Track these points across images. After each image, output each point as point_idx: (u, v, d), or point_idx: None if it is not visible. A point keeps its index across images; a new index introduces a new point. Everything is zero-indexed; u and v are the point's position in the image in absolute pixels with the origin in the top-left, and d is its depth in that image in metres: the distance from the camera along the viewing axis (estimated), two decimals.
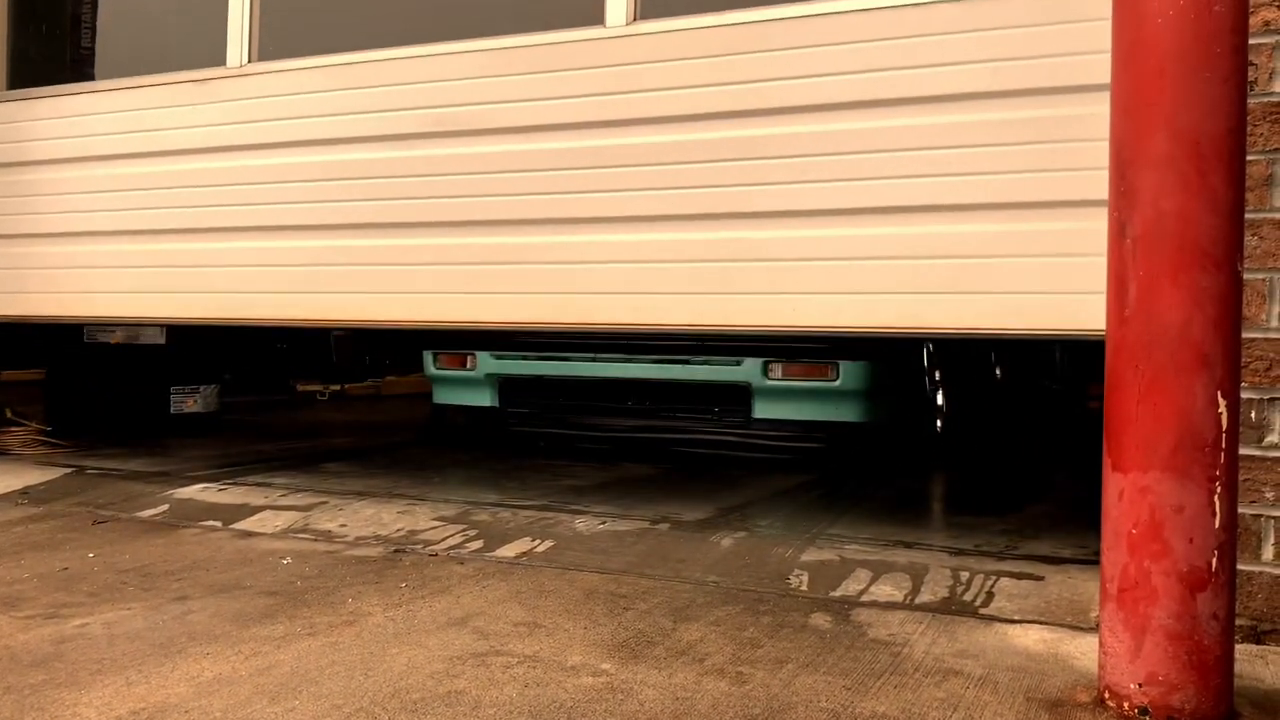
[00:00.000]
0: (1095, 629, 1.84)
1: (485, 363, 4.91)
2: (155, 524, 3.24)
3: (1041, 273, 2.65)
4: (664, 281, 3.10)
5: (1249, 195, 1.99)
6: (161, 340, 5.51)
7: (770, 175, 2.95)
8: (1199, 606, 1.64)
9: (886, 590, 2.46)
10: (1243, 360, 1.99)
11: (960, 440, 5.36)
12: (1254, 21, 2.00)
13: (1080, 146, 2.56)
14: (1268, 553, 2.05)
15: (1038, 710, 1.74)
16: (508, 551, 2.83)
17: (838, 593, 2.45)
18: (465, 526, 3.08)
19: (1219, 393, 1.64)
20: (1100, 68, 2.38)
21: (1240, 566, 2.01)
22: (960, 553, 2.78)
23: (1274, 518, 2.05)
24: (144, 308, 4.01)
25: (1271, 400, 2.05)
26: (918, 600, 2.39)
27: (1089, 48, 2.54)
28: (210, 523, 3.23)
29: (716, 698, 1.78)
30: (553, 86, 3.23)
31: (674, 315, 3.10)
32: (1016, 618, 2.25)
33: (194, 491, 3.63)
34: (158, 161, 3.94)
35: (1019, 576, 2.53)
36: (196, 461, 4.40)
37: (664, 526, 3.08)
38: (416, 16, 3.65)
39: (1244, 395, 2.03)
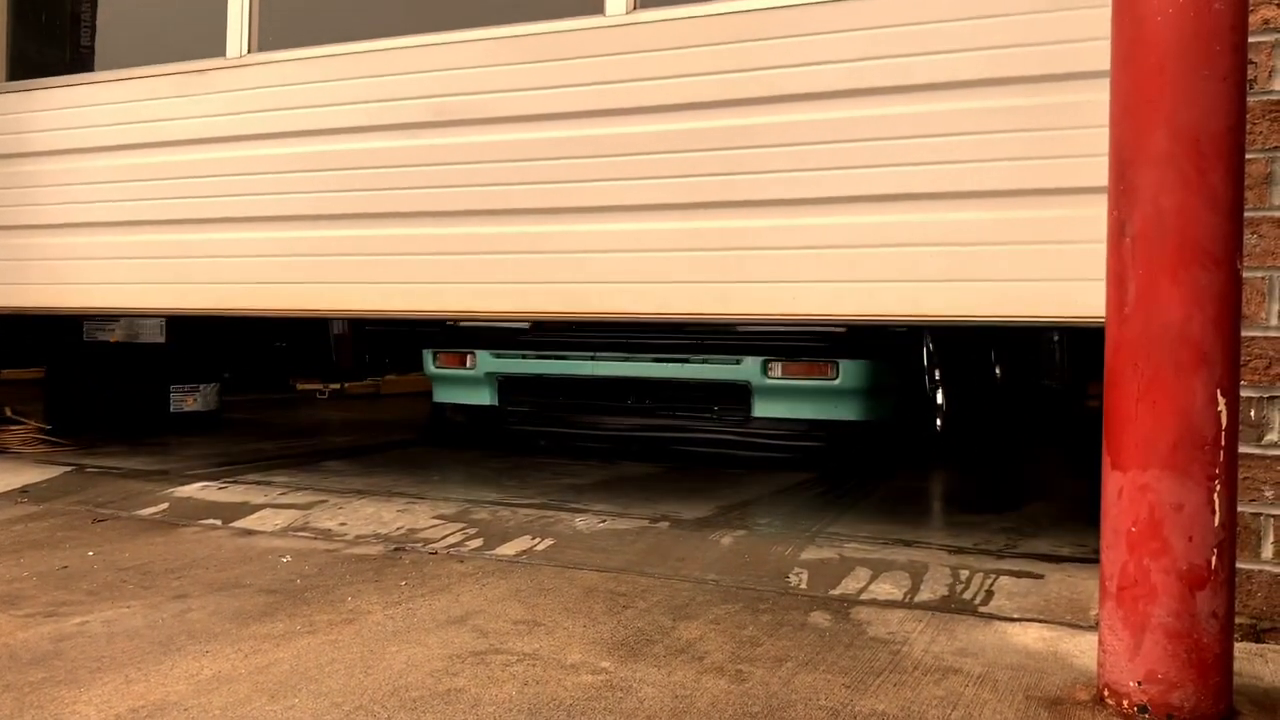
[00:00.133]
0: (1095, 627, 1.84)
1: (485, 361, 4.91)
2: (155, 522, 3.24)
3: (1040, 259, 2.65)
4: (664, 270, 3.10)
5: (1248, 193, 1.99)
6: (161, 338, 5.52)
7: (770, 164, 2.95)
8: (1198, 605, 1.64)
9: (886, 588, 2.46)
10: (1242, 358, 1.99)
11: (960, 439, 5.36)
12: (1253, 20, 2.00)
13: (1078, 133, 2.57)
14: (1267, 551, 2.05)
15: (1037, 708, 1.74)
16: (507, 550, 2.83)
17: (837, 591, 2.45)
18: (465, 525, 3.08)
19: (1218, 391, 1.64)
20: (1097, 54, 2.39)
21: (1239, 565, 2.01)
22: (960, 551, 2.78)
23: (1273, 516, 2.05)
24: (144, 299, 4.01)
25: (1271, 399, 2.05)
26: (917, 599, 2.39)
27: (1086, 35, 2.54)
28: (210, 521, 3.23)
29: (716, 696, 1.78)
30: (553, 75, 3.24)
31: (674, 304, 3.11)
32: (1016, 616, 2.25)
33: (194, 490, 3.63)
34: (158, 152, 3.94)
35: (1018, 575, 2.53)
36: (196, 460, 4.40)
37: (663, 525, 3.08)
38: (417, 5, 3.65)
39: (1243, 393, 2.03)
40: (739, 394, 4.42)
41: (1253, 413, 2.05)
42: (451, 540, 2.93)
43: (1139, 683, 1.67)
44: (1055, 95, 2.62)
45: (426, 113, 3.42)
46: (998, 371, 6.72)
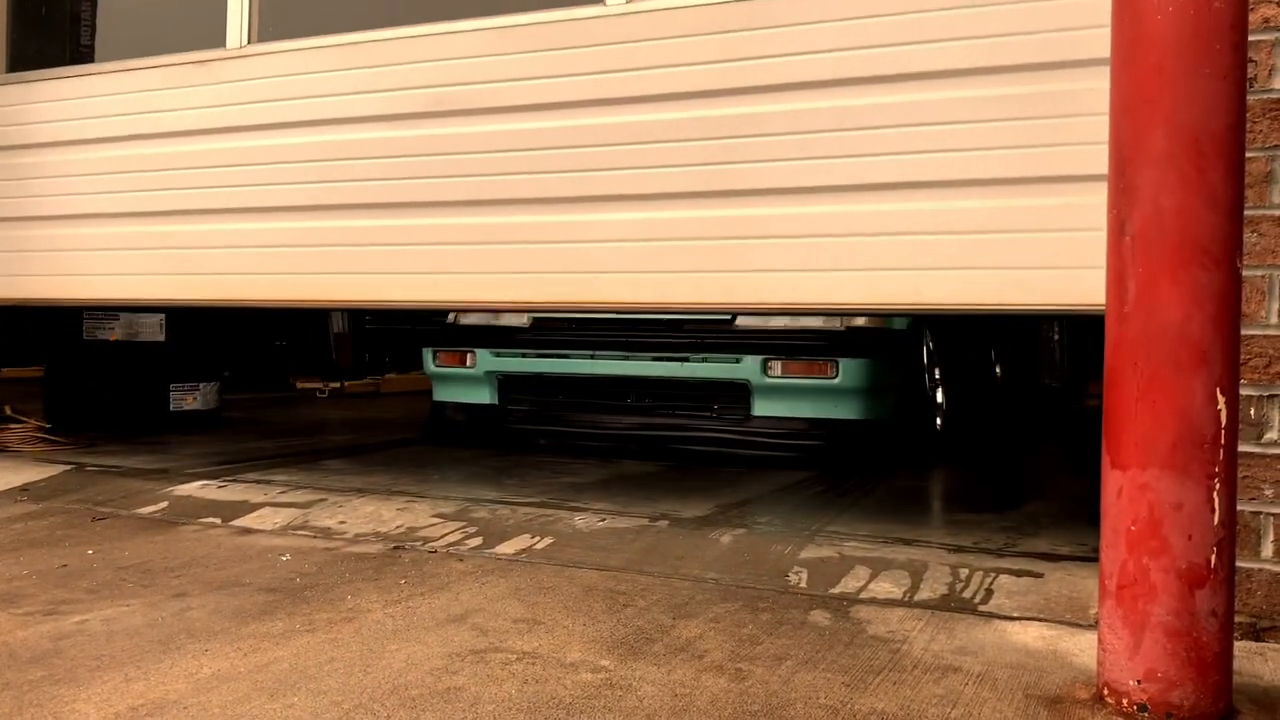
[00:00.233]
0: (1094, 626, 1.84)
1: (485, 360, 4.91)
2: (155, 521, 3.24)
3: (1042, 247, 2.65)
4: (665, 259, 3.10)
5: (1248, 192, 1.99)
6: (161, 337, 5.52)
7: (770, 152, 2.95)
8: (1198, 603, 1.64)
9: (886, 587, 2.46)
10: (1242, 357, 1.99)
11: (960, 438, 5.36)
12: (1253, 18, 2.00)
13: (1080, 121, 2.57)
14: (1267, 550, 2.05)
15: (1036, 707, 1.74)
16: (507, 548, 2.83)
17: (837, 590, 2.45)
18: (465, 523, 3.08)
19: (1218, 390, 1.64)
20: (1097, 42, 2.39)
21: (1239, 564, 2.01)
22: (959, 550, 2.78)
23: (1273, 515, 2.05)
24: (144, 289, 4.02)
25: (1271, 397, 2.05)
26: (917, 597, 2.39)
27: (1086, 22, 2.55)
28: (210, 519, 3.23)
29: (715, 694, 1.78)
30: (553, 65, 3.24)
31: (675, 293, 3.11)
32: (1015, 615, 2.25)
33: (193, 488, 3.63)
34: (158, 143, 3.95)
35: (1018, 574, 2.53)
36: (196, 458, 4.40)
37: (663, 524, 3.08)
38: None
39: (1243, 392, 2.03)
40: (739, 393, 4.42)
41: (1252, 411, 2.05)
42: (451, 539, 2.93)
43: (1138, 681, 1.67)
44: (1056, 83, 2.62)
45: (427, 103, 3.43)
46: (998, 370, 6.72)
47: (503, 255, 3.32)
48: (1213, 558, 1.64)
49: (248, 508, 3.35)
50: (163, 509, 3.39)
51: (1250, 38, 1.86)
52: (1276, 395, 2.04)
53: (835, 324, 4.38)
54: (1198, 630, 1.64)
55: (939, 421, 5.15)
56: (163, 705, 1.71)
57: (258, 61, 3.76)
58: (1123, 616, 1.69)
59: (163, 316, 5.49)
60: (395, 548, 2.85)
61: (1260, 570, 2.06)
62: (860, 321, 4.39)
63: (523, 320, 4.92)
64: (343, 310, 8.77)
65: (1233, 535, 1.68)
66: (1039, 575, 2.52)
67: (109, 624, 2.16)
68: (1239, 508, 2.01)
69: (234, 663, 1.92)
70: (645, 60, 3.11)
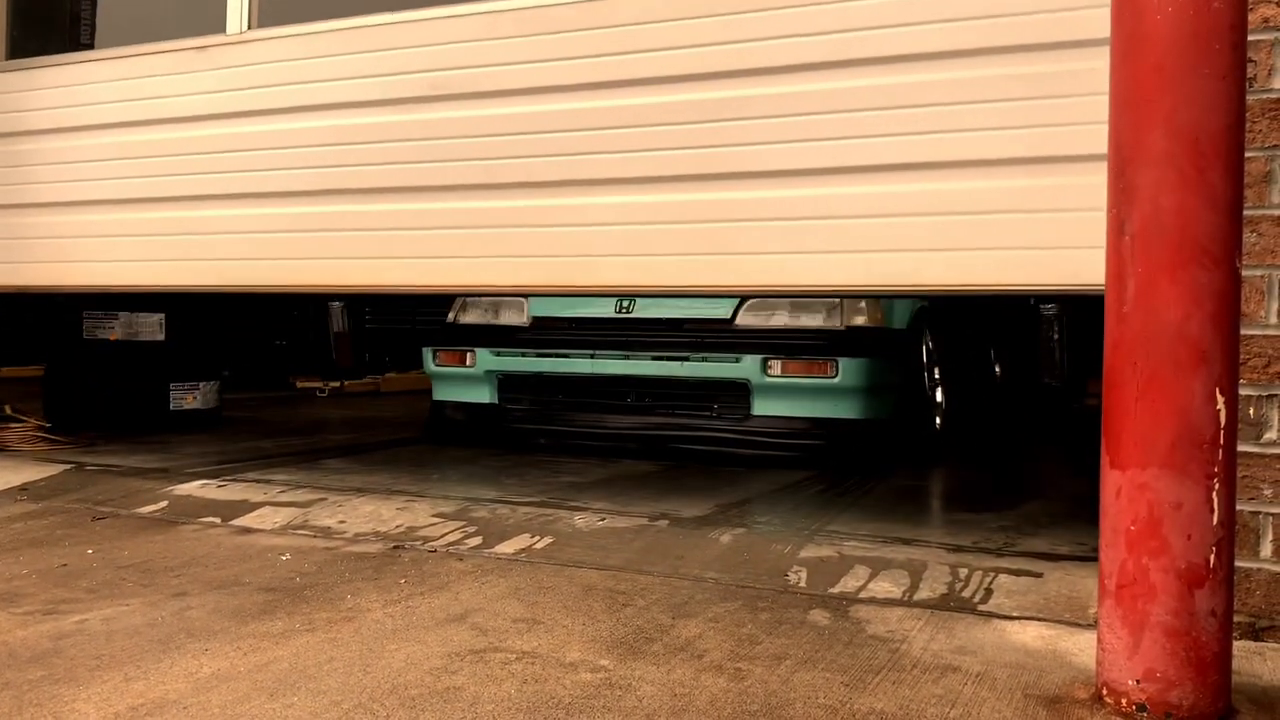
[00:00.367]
0: (1093, 626, 1.85)
1: (485, 360, 4.91)
2: (154, 520, 3.24)
3: (1039, 228, 2.65)
4: (657, 243, 3.11)
5: (1248, 192, 1.99)
6: (161, 336, 5.52)
7: (764, 135, 2.95)
8: (1197, 603, 1.64)
9: (885, 587, 2.46)
10: (1241, 357, 1.99)
11: (959, 437, 5.36)
12: (1253, 18, 2.00)
13: (1077, 101, 2.57)
14: (1266, 549, 2.05)
15: (1036, 706, 1.74)
16: (507, 548, 2.83)
17: (836, 589, 2.45)
18: (464, 523, 3.08)
19: (1217, 390, 1.64)
20: (1096, 22, 2.39)
21: (1238, 563, 2.01)
22: (959, 549, 2.78)
23: (1272, 514, 2.05)
24: (144, 276, 4.02)
25: (1270, 397, 2.05)
26: (916, 597, 2.39)
27: (1085, 2, 2.54)
28: (209, 519, 3.23)
29: (715, 694, 1.78)
30: (549, 49, 3.24)
31: (668, 276, 3.11)
32: (1015, 614, 2.25)
33: (193, 488, 3.64)
34: (158, 129, 3.95)
35: (1017, 573, 2.53)
36: (196, 458, 4.40)
37: (663, 523, 3.08)
38: None
39: (1242, 392, 2.03)
40: (738, 392, 4.42)
41: (1252, 411, 2.05)
42: (451, 538, 2.93)
43: (1137, 681, 1.67)
44: (1053, 63, 2.62)
45: (425, 87, 3.43)
46: (997, 369, 6.73)
47: (500, 239, 3.33)
48: (1212, 557, 1.64)
49: (247, 507, 3.35)
50: (163, 508, 3.39)
51: (1250, 37, 1.86)
52: (1275, 395, 2.05)
53: (835, 323, 4.38)
54: (1197, 630, 1.64)
55: (938, 421, 5.15)
56: (162, 705, 1.71)
57: (257, 47, 3.76)
58: (1122, 616, 1.69)
59: (163, 316, 5.49)
60: (395, 547, 2.85)
61: (1259, 570, 2.06)
62: (860, 321, 4.39)
63: (523, 320, 4.92)
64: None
65: (1232, 535, 1.68)
66: (1038, 575, 2.52)
67: (109, 623, 2.16)
68: (1238, 507, 2.01)
69: (234, 662, 1.92)
70: (640, 43, 3.11)
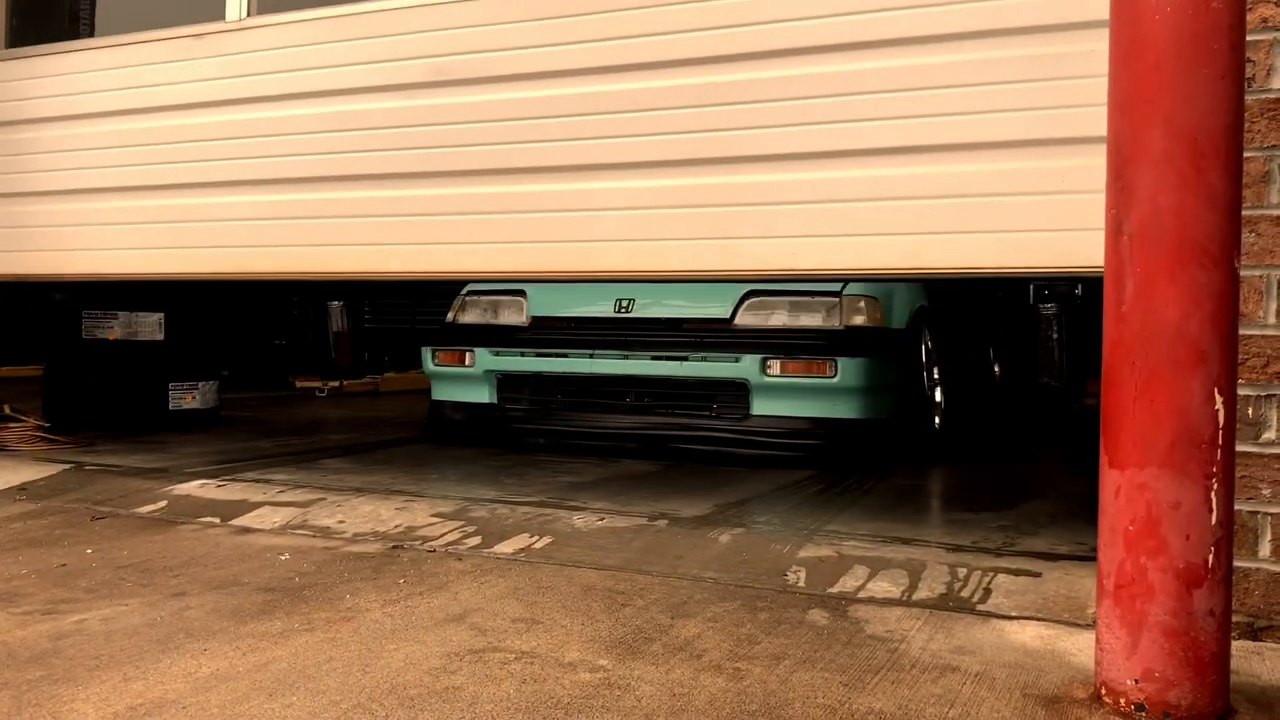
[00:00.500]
0: (1092, 625, 1.85)
1: (484, 359, 4.91)
2: (153, 520, 3.24)
3: (1041, 210, 2.65)
4: (662, 227, 3.10)
5: (1247, 192, 1.99)
6: (160, 336, 5.52)
7: (769, 118, 2.95)
8: (1195, 603, 1.64)
9: (884, 586, 2.46)
10: (1240, 357, 1.99)
11: (958, 437, 5.36)
12: (1251, 18, 2.00)
13: (1078, 83, 2.57)
14: (1264, 549, 2.05)
15: (1034, 706, 1.74)
16: (506, 548, 2.83)
17: (835, 589, 2.45)
18: (463, 523, 3.08)
19: (1216, 389, 1.64)
20: (1094, 5, 2.39)
21: (1237, 563, 2.01)
22: (958, 549, 2.79)
23: (1271, 514, 2.05)
24: (145, 264, 4.02)
25: (1268, 397, 2.05)
26: (915, 596, 2.39)
27: None
28: (208, 519, 3.23)
29: (714, 694, 1.78)
30: (552, 33, 3.24)
31: (672, 261, 3.11)
32: (1014, 614, 2.25)
33: (192, 487, 3.63)
34: (158, 117, 3.95)
35: (1016, 573, 2.53)
36: (195, 457, 4.40)
37: (662, 523, 3.08)
38: None
39: (1241, 392, 2.03)
40: (737, 392, 4.42)
41: (1250, 411, 2.05)
42: (450, 538, 2.93)
43: (1136, 681, 1.67)
44: (1055, 45, 2.62)
45: (425, 73, 3.43)
46: (996, 369, 6.73)
47: (500, 225, 3.33)
48: (1210, 557, 1.64)
49: (247, 507, 3.35)
50: (162, 508, 3.39)
51: (1248, 37, 1.86)
52: (1274, 395, 2.05)
53: (834, 323, 4.38)
54: (1195, 630, 1.64)
55: (937, 420, 5.15)
56: (161, 704, 1.71)
57: (257, 34, 3.76)
58: (1120, 616, 1.69)
59: (162, 315, 5.49)
60: (394, 547, 2.85)
61: (1258, 570, 2.06)
62: (859, 320, 4.39)
63: (522, 319, 4.92)
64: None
65: (1230, 535, 1.68)
66: (1037, 575, 2.52)
67: (107, 623, 2.16)
68: (1236, 507, 2.01)
69: (233, 662, 1.92)
70: (644, 27, 3.11)
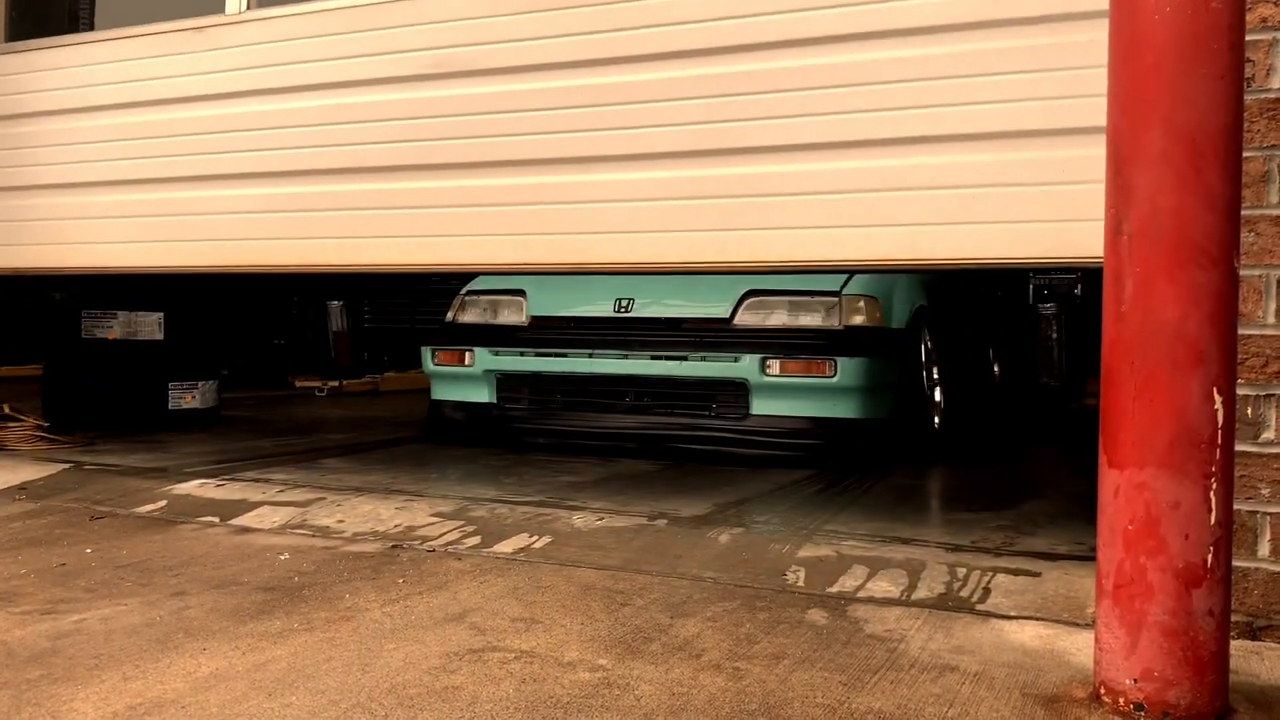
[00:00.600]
0: (1091, 625, 1.85)
1: (483, 359, 4.91)
2: (153, 519, 3.24)
3: (1041, 200, 2.65)
4: (661, 219, 3.10)
5: (1246, 192, 1.99)
6: (160, 335, 5.52)
7: (769, 110, 2.95)
8: (1194, 603, 1.64)
9: (883, 586, 2.46)
10: (1239, 357, 1.99)
11: (958, 436, 5.37)
12: (1251, 18, 2.00)
13: (1078, 74, 2.57)
14: (1263, 549, 2.06)
15: (1033, 706, 1.74)
16: (505, 547, 2.83)
17: (834, 589, 2.45)
18: (463, 522, 3.08)
19: (1215, 389, 1.64)
20: None
21: (1236, 563, 2.01)
22: (957, 549, 2.79)
23: (1270, 514, 2.05)
24: (145, 257, 4.02)
25: (1267, 397, 2.05)
26: (914, 596, 2.39)
27: None
28: (208, 518, 3.23)
29: (713, 693, 1.78)
30: (548, 25, 3.24)
31: (672, 253, 3.10)
32: (1013, 614, 2.25)
33: (192, 487, 3.63)
34: (158, 110, 3.95)
35: (1015, 573, 2.53)
36: (194, 457, 4.40)
37: (661, 522, 3.08)
38: None
39: (1240, 392, 2.03)
40: (737, 391, 4.42)
41: (1249, 411, 2.06)
42: (449, 538, 2.93)
43: (1135, 680, 1.67)
44: (1056, 35, 2.62)
45: (425, 65, 3.43)
46: (996, 369, 6.73)
47: (503, 217, 3.33)
48: (1209, 557, 1.64)
49: (246, 506, 3.35)
50: (161, 508, 3.39)
51: (1248, 37, 1.86)
52: (1273, 395, 2.05)
53: (833, 323, 4.38)
54: (1194, 629, 1.64)
55: (937, 420, 5.15)
56: (161, 704, 1.71)
57: (256, 27, 3.76)
58: (1120, 616, 1.69)
59: (161, 315, 5.49)
60: (393, 547, 2.86)
61: (1257, 570, 2.06)
62: (858, 320, 4.39)
63: (521, 319, 4.92)
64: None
65: (1229, 534, 1.68)
66: (1036, 574, 2.52)
67: (107, 623, 2.16)
68: (1235, 507, 2.01)
69: (232, 662, 1.92)
70: (641, 19, 3.10)
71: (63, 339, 5.32)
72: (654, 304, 4.66)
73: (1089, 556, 2.50)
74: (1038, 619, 2.21)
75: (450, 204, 3.40)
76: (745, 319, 4.47)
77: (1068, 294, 8.37)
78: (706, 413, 4.50)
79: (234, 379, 7.53)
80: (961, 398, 5.61)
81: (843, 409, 4.32)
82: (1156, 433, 1.65)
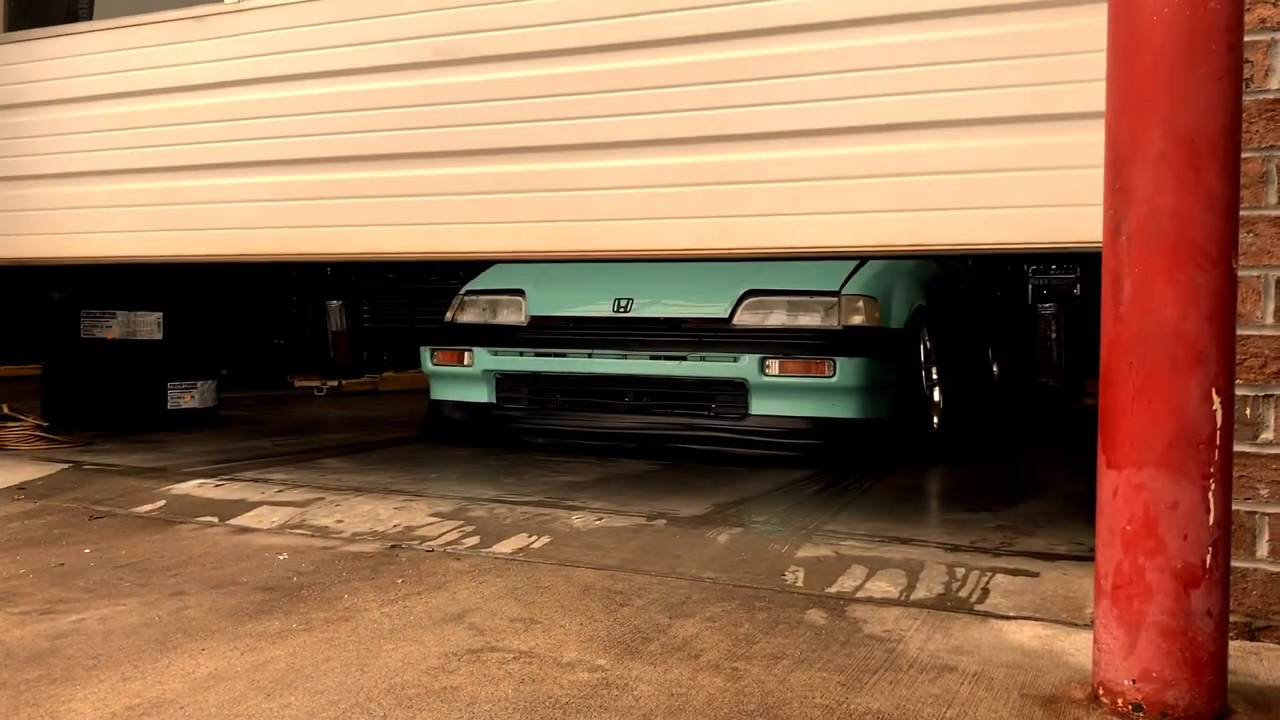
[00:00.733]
0: (1090, 625, 1.85)
1: (482, 359, 4.91)
2: (152, 519, 3.24)
3: (1041, 185, 2.65)
4: (663, 206, 3.10)
5: (1244, 192, 1.99)
6: (159, 335, 5.51)
7: (770, 95, 2.95)
8: (1193, 603, 1.64)
9: (882, 586, 2.46)
10: (1238, 357, 2.00)
11: (957, 437, 5.37)
12: (1249, 19, 2.00)
13: (1078, 59, 2.56)
14: (1262, 549, 2.06)
15: (1032, 706, 1.75)
16: (504, 548, 2.83)
17: (833, 589, 2.45)
18: (462, 522, 3.08)
19: (1214, 390, 1.64)
20: None
21: (1234, 563, 2.01)
22: (956, 549, 2.79)
23: (1268, 514, 2.05)
24: (144, 246, 4.01)
25: (1266, 397, 2.05)
26: (913, 596, 2.39)
27: None
28: (207, 518, 3.23)
29: (712, 694, 1.78)
30: (552, 11, 3.23)
31: (673, 240, 3.10)
32: (1012, 614, 2.25)
33: (191, 487, 3.63)
34: (157, 99, 3.95)
35: (1014, 573, 2.53)
36: (193, 457, 4.40)
37: (660, 523, 3.08)
38: None
39: (1239, 392, 2.04)
40: (736, 391, 4.42)
41: (1248, 411, 2.06)
42: (448, 538, 2.93)
43: (1134, 681, 1.67)
44: (1053, 20, 2.62)
45: (425, 53, 3.42)
46: (995, 369, 6.74)
47: (501, 205, 3.33)
48: (1208, 557, 1.64)
49: (245, 506, 3.35)
50: (160, 508, 3.39)
51: (1246, 38, 1.86)
52: (1272, 395, 2.05)
53: (832, 323, 4.38)
54: (1193, 630, 1.64)
55: (936, 420, 5.15)
56: (159, 704, 1.71)
57: (255, 15, 3.76)
58: (1118, 616, 1.69)
59: (160, 315, 5.49)
60: (392, 547, 2.86)
61: (1255, 570, 2.06)
62: (857, 320, 4.39)
63: (520, 319, 4.92)
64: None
65: (1228, 535, 1.68)
66: (1035, 575, 2.52)
67: (106, 623, 2.16)
68: (1234, 507, 2.01)
69: (231, 662, 1.92)
70: (644, 5, 3.10)
71: (62, 339, 5.32)
72: (653, 304, 4.66)
73: (1088, 557, 2.50)
74: (1036, 619, 2.22)
75: (449, 191, 3.39)
76: (744, 319, 4.47)
77: (1066, 294, 8.38)
78: (706, 413, 4.50)
79: (233, 379, 7.53)
80: (960, 398, 5.61)
81: (842, 409, 4.32)
82: (1155, 433, 1.65)
